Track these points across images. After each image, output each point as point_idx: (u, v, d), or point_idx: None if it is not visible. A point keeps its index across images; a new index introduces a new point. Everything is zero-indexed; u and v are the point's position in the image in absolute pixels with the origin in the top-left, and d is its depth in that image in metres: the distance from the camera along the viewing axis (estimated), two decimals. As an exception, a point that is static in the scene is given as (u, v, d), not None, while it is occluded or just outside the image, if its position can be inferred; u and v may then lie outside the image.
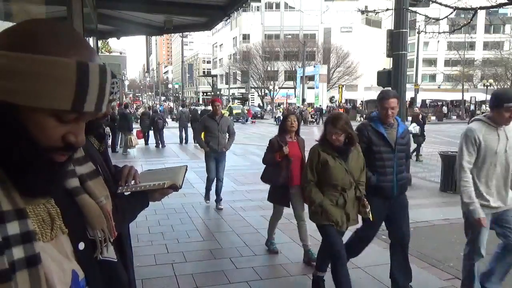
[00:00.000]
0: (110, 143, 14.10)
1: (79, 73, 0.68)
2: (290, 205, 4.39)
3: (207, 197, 6.65)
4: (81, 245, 0.80)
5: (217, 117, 6.29)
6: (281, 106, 44.54)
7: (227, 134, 6.48)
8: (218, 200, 6.44)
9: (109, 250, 0.89)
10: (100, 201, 0.88)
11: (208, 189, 6.61)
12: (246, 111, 36.02)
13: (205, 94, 78.77)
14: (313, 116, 33.64)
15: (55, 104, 0.67)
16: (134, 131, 14.43)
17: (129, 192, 1.48)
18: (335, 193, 3.10)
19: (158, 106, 35.81)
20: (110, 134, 13.81)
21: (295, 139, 4.42)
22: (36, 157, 0.69)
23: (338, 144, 3.06)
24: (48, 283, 0.69)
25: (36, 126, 0.68)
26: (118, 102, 15.28)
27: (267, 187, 4.68)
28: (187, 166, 1.57)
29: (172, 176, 1.45)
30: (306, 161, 3.45)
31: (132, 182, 1.48)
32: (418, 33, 16.30)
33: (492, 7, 8.03)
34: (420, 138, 11.68)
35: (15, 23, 0.74)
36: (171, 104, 52.19)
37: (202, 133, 6.65)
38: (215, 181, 6.48)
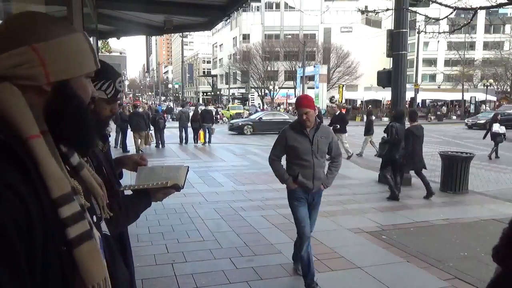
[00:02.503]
0: (119, 143, 14.16)
1: (87, 41, 0.89)
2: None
3: (298, 263, 4.00)
4: (94, 218, 0.92)
5: (310, 130, 3.56)
6: (281, 106, 44.55)
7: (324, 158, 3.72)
8: (310, 278, 3.65)
9: (102, 224, 1.01)
10: (92, 173, 0.98)
11: (298, 253, 3.89)
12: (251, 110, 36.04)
13: (205, 94, 78.78)
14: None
15: (89, 67, 0.89)
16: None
17: (132, 191, 1.49)
18: None
19: (156, 105, 35.89)
20: (121, 134, 13.91)
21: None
22: (86, 112, 0.88)
23: None
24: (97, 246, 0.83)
25: (82, 89, 0.87)
26: (125, 101, 15.37)
27: (267, 187, 4.68)
28: (188, 167, 1.57)
29: (174, 176, 1.46)
30: None
31: (133, 182, 1.49)
32: (418, 33, 16.30)
33: (492, 7, 8.04)
34: (498, 138, 12.88)
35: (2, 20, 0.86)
36: (171, 104, 52.16)
37: (277, 151, 3.77)
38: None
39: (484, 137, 13.60)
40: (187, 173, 1.52)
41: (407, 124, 7.72)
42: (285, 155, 3.74)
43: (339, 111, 13.55)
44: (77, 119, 0.85)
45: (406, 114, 7.88)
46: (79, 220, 0.78)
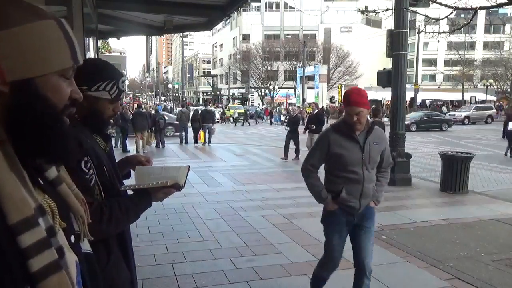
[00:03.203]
0: (119, 143, 14.17)
1: (62, 29, 0.73)
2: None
3: None
4: (72, 238, 0.80)
5: (360, 134, 2.78)
6: (281, 106, 44.51)
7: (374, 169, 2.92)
8: None
9: (84, 242, 0.88)
10: (73, 189, 0.86)
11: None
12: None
13: (205, 94, 78.77)
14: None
15: (62, 63, 0.73)
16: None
17: (132, 190, 1.49)
18: None
19: (156, 105, 35.96)
20: (121, 134, 13.94)
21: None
22: (57, 118, 0.73)
23: None
24: (70, 276, 0.72)
25: (53, 90, 0.72)
26: (125, 101, 15.43)
27: (267, 187, 4.68)
28: (189, 166, 1.57)
29: (174, 176, 1.46)
30: None
31: (134, 182, 1.49)
32: (418, 33, 16.27)
33: (492, 7, 8.05)
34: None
35: None
36: (171, 104, 52.20)
37: (314, 159, 2.93)
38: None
39: (503, 136, 13.75)
40: (187, 173, 1.52)
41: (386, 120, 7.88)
42: (323, 165, 2.91)
43: (316, 110, 12.94)
44: (43, 126, 0.70)
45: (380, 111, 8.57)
46: (43, 249, 0.65)
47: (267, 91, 52.06)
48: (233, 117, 32.45)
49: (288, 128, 12.37)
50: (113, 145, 14.01)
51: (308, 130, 11.68)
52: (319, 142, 2.89)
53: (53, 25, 0.71)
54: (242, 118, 32.72)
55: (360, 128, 2.72)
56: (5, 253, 0.60)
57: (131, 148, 13.89)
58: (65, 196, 0.81)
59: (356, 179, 2.74)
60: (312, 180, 2.90)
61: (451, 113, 34.19)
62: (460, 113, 32.60)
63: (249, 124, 32.59)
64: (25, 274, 0.63)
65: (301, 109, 30.59)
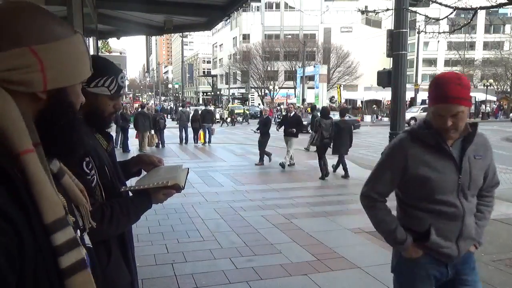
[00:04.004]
0: (119, 143, 14.17)
1: (84, 43, 0.80)
2: None
3: None
4: (78, 232, 0.83)
5: (453, 145, 1.80)
6: (281, 106, 44.50)
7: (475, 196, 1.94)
8: None
9: (86, 237, 0.91)
10: (73, 179, 0.89)
11: None
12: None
13: (205, 94, 78.78)
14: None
15: (86, 74, 0.81)
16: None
17: (132, 192, 1.49)
18: None
19: (155, 105, 35.79)
20: (122, 134, 13.97)
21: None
22: (79, 121, 0.81)
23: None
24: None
25: (76, 96, 0.80)
26: (124, 101, 15.45)
27: (267, 187, 4.68)
28: (188, 168, 1.57)
29: (174, 176, 1.45)
30: None
31: (135, 182, 1.49)
32: (418, 33, 16.28)
33: (492, 7, 8.06)
34: None
35: None
36: (171, 104, 52.19)
37: (382, 184, 1.96)
38: None
39: None
40: (187, 175, 1.52)
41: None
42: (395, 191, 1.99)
43: (293, 112, 11.16)
44: (70, 129, 0.78)
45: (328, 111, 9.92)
46: (73, 247, 0.70)
47: (267, 91, 52.06)
48: (222, 117, 31.92)
49: (259, 131, 11.37)
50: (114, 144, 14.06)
51: (284, 134, 10.64)
52: (390, 157, 1.90)
53: (81, 39, 0.79)
54: (241, 117, 32.74)
55: (455, 136, 1.77)
56: (42, 250, 0.65)
57: (132, 148, 13.89)
58: (68, 188, 0.84)
59: (452, 213, 1.79)
60: (380, 213, 1.95)
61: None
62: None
63: (248, 123, 32.59)
64: (55, 270, 0.68)
65: (301, 108, 30.37)
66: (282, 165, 10.16)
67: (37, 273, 0.64)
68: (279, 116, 27.14)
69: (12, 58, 0.67)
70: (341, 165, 9.24)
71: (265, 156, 10.99)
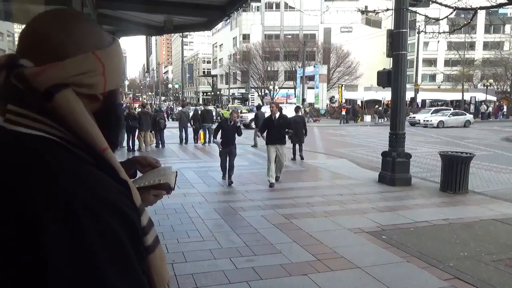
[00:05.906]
0: (123, 142, 14.17)
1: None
2: None
3: None
4: None
5: None
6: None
7: None
8: None
9: None
10: None
11: None
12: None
13: (205, 94, 78.79)
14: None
15: (124, 76, 0.92)
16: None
17: None
18: None
19: (155, 105, 35.64)
20: (127, 133, 13.97)
21: None
22: (120, 119, 0.90)
23: None
24: None
25: (117, 97, 0.86)
26: (124, 101, 15.61)
27: (267, 187, 4.68)
28: (177, 172, 1.57)
29: (165, 176, 1.44)
30: None
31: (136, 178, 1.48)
32: (418, 33, 16.31)
33: (492, 7, 8.07)
34: None
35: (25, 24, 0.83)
36: (170, 104, 52.15)
37: None
38: None
39: None
40: (176, 177, 1.52)
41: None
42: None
43: (279, 113, 8.59)
44: (118, 128, 0.88)
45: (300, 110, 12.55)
46: (151, 226, 0.81)
47: (267, 91, 52.06)
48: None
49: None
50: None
51: (270, 142, 8.47)
52: None
53: (120, 43, 0.84)
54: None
55: None
56: (138, 230, 0.73)
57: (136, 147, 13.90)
58: None
59: None
60: None
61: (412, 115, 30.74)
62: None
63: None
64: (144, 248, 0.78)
65: (305, 108, 29.97)
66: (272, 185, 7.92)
67: (140, 251, 0.73)
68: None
69: (81, 63, 0.72)
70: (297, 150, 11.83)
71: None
